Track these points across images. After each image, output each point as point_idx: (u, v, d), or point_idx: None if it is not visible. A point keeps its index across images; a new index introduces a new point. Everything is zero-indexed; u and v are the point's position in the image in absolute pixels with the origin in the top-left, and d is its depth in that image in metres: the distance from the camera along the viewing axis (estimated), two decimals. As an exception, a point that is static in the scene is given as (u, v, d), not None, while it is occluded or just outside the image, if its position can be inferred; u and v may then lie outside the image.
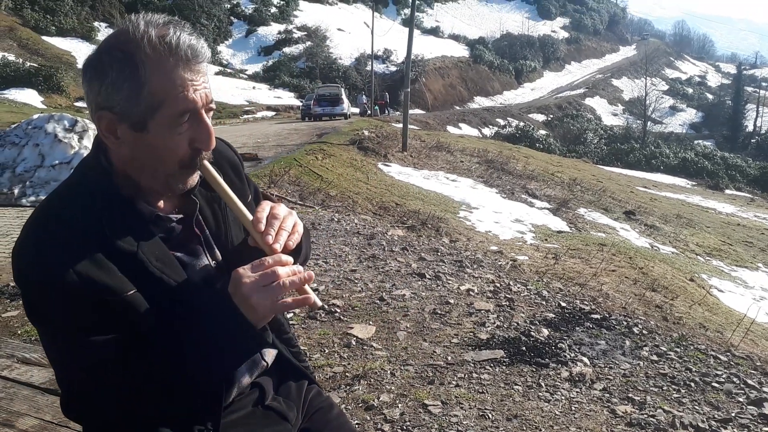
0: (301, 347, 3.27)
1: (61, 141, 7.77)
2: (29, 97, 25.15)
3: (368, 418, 2.65)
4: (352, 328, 3.59)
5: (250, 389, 1.24)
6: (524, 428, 2.57)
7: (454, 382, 2.97)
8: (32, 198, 7.41)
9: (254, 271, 1.01)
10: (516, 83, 78.21)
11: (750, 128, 62.87)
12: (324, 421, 1.34)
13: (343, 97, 28.83)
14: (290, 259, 1.04)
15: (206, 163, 1.10)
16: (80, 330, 0.98)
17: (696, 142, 51.21)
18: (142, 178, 1.09)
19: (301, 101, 34.96)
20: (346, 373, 3.06)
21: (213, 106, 1.11)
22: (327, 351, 3.31)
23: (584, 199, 18.57)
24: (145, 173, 1.08)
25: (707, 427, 2.62)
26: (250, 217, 1.10)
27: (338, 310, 3.82)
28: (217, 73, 46.30)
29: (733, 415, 2.74)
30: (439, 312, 3.83)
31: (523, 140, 33.98)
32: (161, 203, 1.15)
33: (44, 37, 37.76)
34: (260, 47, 58.39)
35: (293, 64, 54.48)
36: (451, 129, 38.96)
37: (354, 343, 3.39)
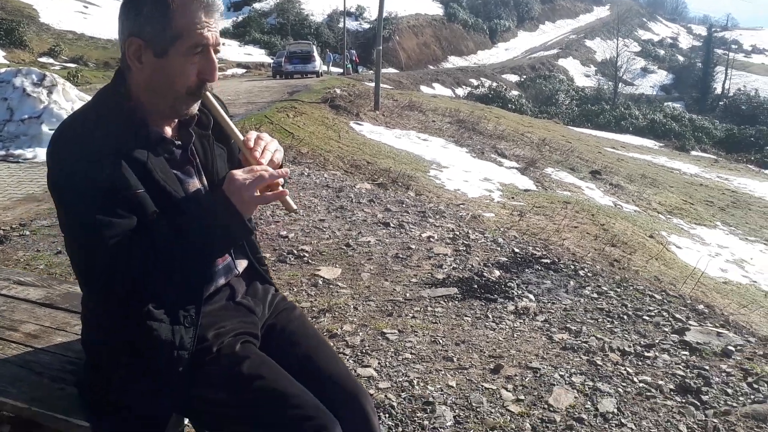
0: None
1: (29, 95, 7.77)
2: (-10, 51, 24.45)
3: (332, 343, 2.93)
4: (319, 270, 3.85)
5: (224, 288, 1.50)
6: (470, 351, 2.88)
7: (410, 315, 3.26)
8: (2, 152, 7.43)
9: (245, 172, 1.27)
10: (490, 43, 77.85)
11: (718, 91, 63.84)
12: (287, 319, 1.61)
13: (315, 54, 28.55)
14: (277, 171, 1.31)
15: (208, 93, 1.35)
16: (99, 212, 1.22)
17: (666, 104, 51.92)
18: (154, 101, 1.34)
19: (272, 58, 34.47)
20: (313, 308, 3.33)
21: (220, 48, 1.36)
22: (296, 290, 3.57)
23: (552, 159, 18.93)
24: (157, 96, 1.33)
25: (632, 351, 2.96)
26: (242, 137, 1.35)
27: (306, 255, 4.08)
28: (186, 29, 45.06)
29: (657, 341, 3.09)
30: (401, 256, 4.11)
31: (496, 101, 34.17)
32: (167, 130, 1.42)
33: (4, -11, 36.41)
34: (230, 2, 57.04)
35: (264, 20, 53.36)
36: (424, 89, 38.93)
37: (321, 282, 3.66)
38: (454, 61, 66.06)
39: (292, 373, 1.45)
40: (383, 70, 44.92)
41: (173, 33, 1.27)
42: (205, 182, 1.45)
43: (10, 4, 34.09)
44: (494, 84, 42.11)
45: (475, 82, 44.98)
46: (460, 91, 40.84)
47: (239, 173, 1.27)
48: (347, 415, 1.46)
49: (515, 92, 41.12)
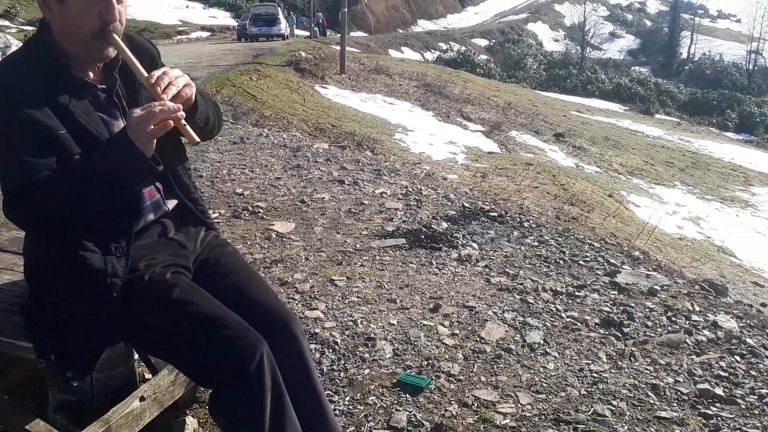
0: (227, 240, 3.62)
1: None
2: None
3: (282, 290, 3.08)
4: (273, 225, 3.97)
5: (155, 225, 1.61)
6: (412, 294, 3.05)
7: (359, 263, 3.42)
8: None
9: (141, 109, 1.35)
10: (460, 6, 77.27)
11: (684, 56, 64.56)
12: (220, 253, 1.73)
13: (281, 17, 28.10)
14: (175, 105, 1.36)
15: (115, 35, 1.43)
16: (23, 153, 1.33)
17: (633, 68, 52.38)
18: (69, 46, 1.44)
19: (238, 21, 33.78)
20: (266, 259, 3.46)
21: None
22: (249, 243, 3.70)
23: (517, 122, 19.14)
24: (69, 41, 1.43)
25: (564, 291, 3.17)
26: (146, 74, 1.42)
27: (261, 211, 4.19)
28: (148, -9, 43.86)
29: (588, 282, 3.30)
30: (354, 211, 4.26)
31: (464, 65, 34.16)
32: (91, 74, 1.52)
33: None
34: (194, -37, 55.32)
35: (230, -18, 52.01)
36: (393, 53, 38.65)
37: (274, 236, 3.79)
38: (423, 25, 65.50)
39: (224, 302, 1.57)
40: (352, 34, 44.38)
41: None
42: None
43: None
44: (463, 48, 41.99)
45: (444, 46, 44.78)
46: (429, 56, 40.65)
47: (136, 110, 1.35)
48: (277, 339, 1.59)
49: (484, 57, 41.07)
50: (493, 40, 54.06)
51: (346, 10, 17.61)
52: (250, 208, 4.22)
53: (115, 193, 1.38)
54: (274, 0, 33.90)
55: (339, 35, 18.93)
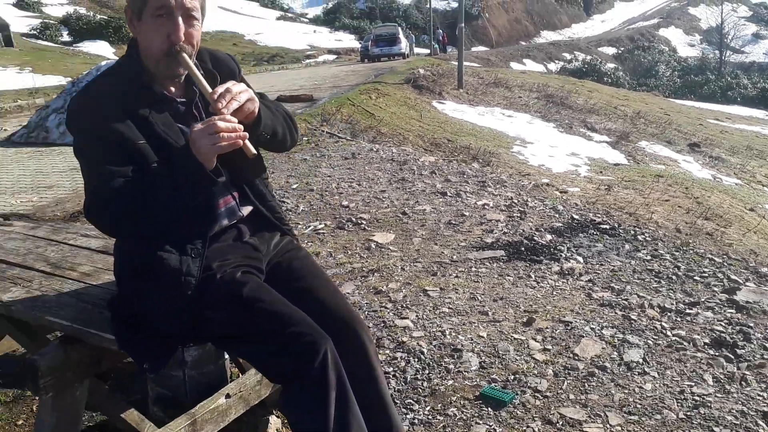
0: (329, 250, 3.74)
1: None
2: (101, 48, 26.41)
3: (376, 299, 3.12)
4: (374, 235, 4.04)
5: (231, 229, 1.70)
6: (506, 307, 2.97)
7: (454, 275, 3.39)
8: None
9: (202, 123, 1.44)
10: (585, 15, 74.73)
11: None
12: (293, 257, 1.79)
13: (401, 36, 28.65)
14: (233, 119, 1.44)
15: (184, 55, 1.54)
16: (104, 161, 1.47)
17: (782, 71, 47.87)
18: (148, 62, 1.58)
19: (361, 43, 34.91)
20: (363, 268, 3.52)
21: (194, 14, 1.57)
22: (349, 252, 3.78)
23: (647, 132, 18.11)
24: (148, 58, 1.58)
25: (673, 308, 2.94)
26: (210, 90, 1.51)
27: (364, 222, 4.28)
28: (278, 18, 46.62)
29: (702, 300, 3.04)
30: (453, 222, 4.23)
31: (590, 74, 32.97)
32: (172, 89, 1.65)
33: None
34: (320, -10, 58.04)
35: (353, 5, 54.07)
36: (514, 65, 38.13)
37: (373, 246, 3.85)
38: (547, 36, 63.97)
39: (293, 304, 1.63)
40: (473, 49, 44.29)
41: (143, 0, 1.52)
42: None
43: (117, 3, 36.52)
44: (588, 57, 40.54)
45: (568, 56, 43.51)
46: (553, 66, 39.66)
47: (198, 124, 1.44)
48: (343, 341, 1.62)
49: (611, 65, 39.39)
50: (622, 48, 51.70)
51: (463, 25, 17.62)
52: (354, 219, 4.33)
53: (181, 201, 1.47)
54: (394, 20, 34.73)
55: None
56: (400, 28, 30.53)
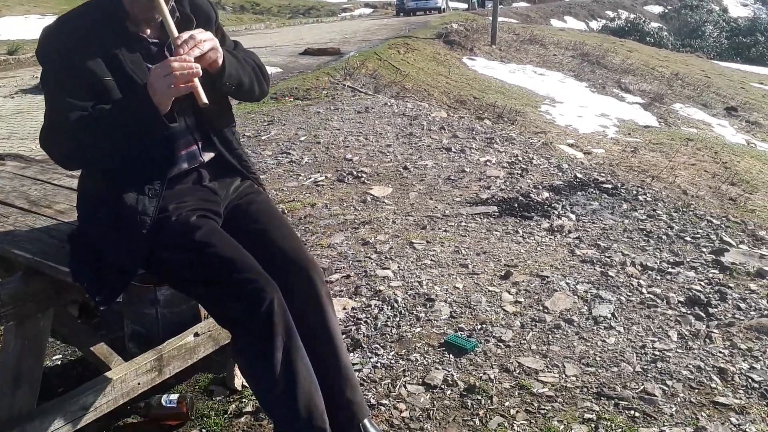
0: (325, 202, 3.80)
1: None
2: None
3: (362, 250, 3.19)
4: (371, 189, 4.08)
5: (191, 173, 1.76)
6: (487, 261, 3.01)
7: (443, 229, 3.42)
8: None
9: (159, 66, 1.48)
10: (633, -30, 71.58)
11: None
12: (251, 200, 1.85)
13: (437, -10, 28.06)
14: (190, 59, 1.47)
15: (160, 0, 1.56)
16: (66, 93, 1.52)
17: (839, 32, 45.41)
18: (127, 3, 1.61)
19: (397, -3, 34.26)
20: (355, 220, 3.58)
21: None
22: (345, 205, 3.84)
23: (683, 94, 17.55)
24: None
25: (655, 267, 2.93)
26: (176, 34, 1.54)
27: (364, 176, 4.32)
28: (315, -29, 45.77)
29: (688, 260, 3.03)
30: (453, 178, 4.24)
31: (632, 34, 31.85)
32: (148, 30, 1.68)
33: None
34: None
35: (392, -43, 52.75)
36: (555, 22, 37.00)
37: (369, 199, 3.90)
38: (591, -8, 61.63)
39: (247, 245, 1.68)
40: (514, 5, 43.02)
41: None
42: None
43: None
44: (632, 16, 39.07)
45: (611, 14, 41.98)
46: (594, 24, 38.38)
47: (156, 66, 1.48)
48: (294, 283, 1.69)
49: (656, 24, 37.92)
50: (669, 6, 49.59)
51: (498, -22, 17.13)
52: (355, 172, 4.37)
53: (132, 141, 1.53)
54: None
55: (501, 5, 18.54)
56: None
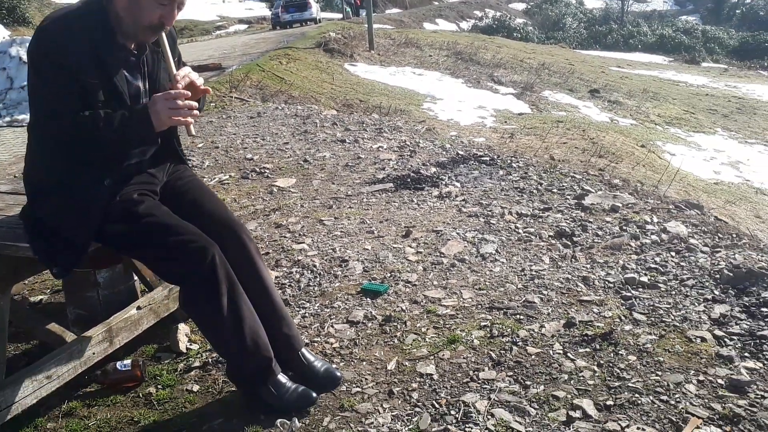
0: (233, 197, 4.01)
1: (26, 63, 8.28)
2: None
3: (276, 231, 3.49)
4: (276, 182, 4.39)
5: (137, 163, 2.02)
6: (390, 225, 3.41)
7: (348, 206, 3.80)
8: (7, 118, 8.02)
9: (164, 96, 1.77)
10: (495, -27, 75.64)
11: (734, -1, 61.54)
12: (180, 177, 2.14)
13: (312, 1, 28.47)
14: (194, 104, 1.80)
15: (163, 34, 1.86)
16: (53, 86, 1.74)
17: (680, 18, 50.53)
18: (126, 21, 1.82)
19: (271, 10, 34.38)
20: (265, 209, 3.88)
21: (181, 7, 1.86)
22: (253, 197, 4.12)
23: (551, 82, 18.99)
24: (127, 19, 1.81)
25: (529, 213, 3.46)
26: (175, 71, 1.86)
27: (267, 171, 4.62)
28: (184, -10, 44.80)
29: (555, 205, 3.58)
30: (351, 165, 4.63)
31: (500, 31, 33.85)
32: (132, 45, 1.90)
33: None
34: (227, -42, 56.26)
35: (262, -27, 52.70)
36: (427, 25, 38.54)
37: (275, 190, 4.20)
38: (458, -4, 64.65)
39: (182, 216, 1.97)
40: (387, 12, 44.34)
41: None
42: (147, 86, 1.95)
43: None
44: (498, 14, 41.40)
45: (479, 13, 44.30)
46: (464, 25, 40.35)
47: (160, 95, 1.77)
48: (226, 243, 1.99)
49: (521, 20, 40.48)
50: (531, 3, 53.00)
51: (369, -15, 17.80)
52: (258, 169, 4.65)
53: (116, 143, 1.80)
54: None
55: (375, 13, 19.26)
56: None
